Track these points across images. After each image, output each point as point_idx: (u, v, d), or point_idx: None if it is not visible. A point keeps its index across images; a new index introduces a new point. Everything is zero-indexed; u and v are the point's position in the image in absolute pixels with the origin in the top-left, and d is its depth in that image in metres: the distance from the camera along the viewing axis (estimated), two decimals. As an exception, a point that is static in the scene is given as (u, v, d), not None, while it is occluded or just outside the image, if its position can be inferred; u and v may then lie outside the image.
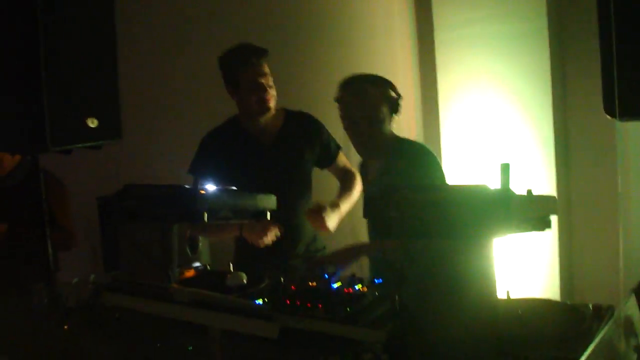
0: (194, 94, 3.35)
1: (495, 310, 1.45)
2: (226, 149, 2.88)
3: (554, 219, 1.99)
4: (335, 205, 2.72)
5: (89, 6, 2.18)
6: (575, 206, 4.10)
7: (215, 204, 2.08)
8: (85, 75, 2.19)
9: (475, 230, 1.38)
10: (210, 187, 2.16)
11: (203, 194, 2.06)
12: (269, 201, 2.31)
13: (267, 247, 2.70)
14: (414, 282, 1.49)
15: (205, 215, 2.01)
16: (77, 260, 3.09)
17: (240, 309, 1.51)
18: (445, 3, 4.21)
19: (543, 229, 1.68)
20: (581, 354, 1.41)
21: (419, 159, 2.62)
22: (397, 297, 1.52)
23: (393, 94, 2.64)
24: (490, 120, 4.07)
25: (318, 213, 2.65)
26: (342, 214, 2.73)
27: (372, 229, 2.54)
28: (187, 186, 2.09)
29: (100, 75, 2.24)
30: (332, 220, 2.67)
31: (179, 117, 3.31)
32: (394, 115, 2.65)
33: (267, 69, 2.81)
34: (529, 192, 1.56)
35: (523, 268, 3.91)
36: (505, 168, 1.38)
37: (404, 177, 2.52)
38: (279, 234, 2.69)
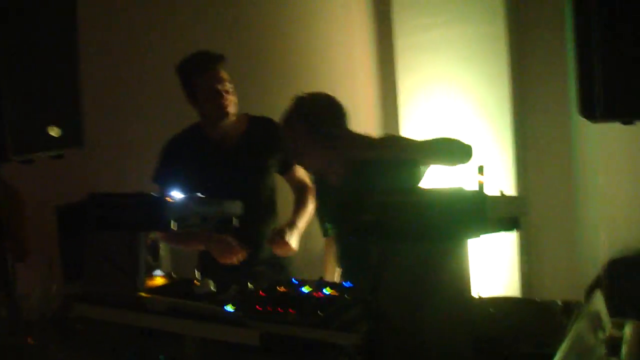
0: (158, 102, 3.31)
1: (470, 310, 1.46)
2: (188, 156, 2.86)
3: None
4: (292, 225, 2.77)
5: (50, 13, 2.13)
6: (533, 206, 4.18)
7: (182, 211, 2.07)
8: (46, 84, 2.15)
9: (450, 232, 1.39)
10: (177, 194, 2.15)
11: (170, 202, 2.05)
12: (235, 207, 2.30)
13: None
14: (389, 285, 1.49)
15: (173, 223, 2.00)
16: (31, 271, 3.03)
17: (216, 316, 1.49)
18: (404, 8, 4.25)
19: (513, 229, 1.71)
20: (556, 349, 1.43)
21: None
22: (373, 299, 1.53)
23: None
24: (450, 122, 4.13)
25: (281, 238, 2.69)
26: (301, 231, 2.78)
27: (341, 249, 2.58)
28: (154, 194, 2.08)
29: (61, 83, 2.20)
30: (294, 241, 2.73)
31: (144, 125, 3.27)
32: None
33: (224, 75, 2.80)
34: (502, 192, 1.58)
35: (484, 267, 3.97)
36: (481, 169, 1.40)
37: (374, 180, 2.50)
38: (243, 258, 2.71)
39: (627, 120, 1.67)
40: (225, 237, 2.72)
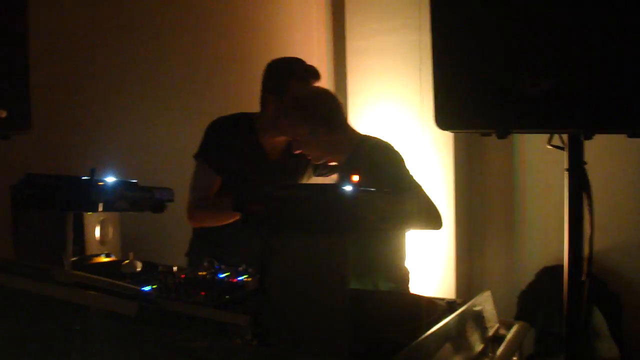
0: (111, 89, 3.42)
1: (345, 300, 1.60)
2: (234, 149, 2.93)
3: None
4: None
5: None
6: (474, 209, 4.32)
7: (111, 194, 2.20)
8: None
9: (325, 226, 1.54)
10: (110, 179, 2.28)
11: (99, 185, 2.18)
12: (167, 193, 2.43)
13: (226, 234, 2.82)
14: (275, 272, 1.63)
15: (101, 205, 2.14)
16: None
17: (110, 289, 1.64)
18: (356, 14, 4.39)
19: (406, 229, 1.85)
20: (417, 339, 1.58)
21: (378, 155, 2.74)
22: (260, 284, 1.67)
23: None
24: (396, 125, 4.27)
25: None
26: None
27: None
28: (84, 177, 2.21)
29: (10, 66, 2.30)
30: None
31: (98, 110, 3.38)
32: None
33: None
34: (385, 192, 1.73)
35: (422, 266, 4.12)
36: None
37: (363, 173, 2.66)
38: None
39: (483, 133, 1.85)
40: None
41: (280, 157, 3.01)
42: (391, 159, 2.74)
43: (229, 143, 2.93)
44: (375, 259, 2.61)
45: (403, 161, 2.75)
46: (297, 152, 2.85)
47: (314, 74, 2.91)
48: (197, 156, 2.94)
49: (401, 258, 2.80)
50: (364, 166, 2.62)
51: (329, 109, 2.78)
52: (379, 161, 2.68)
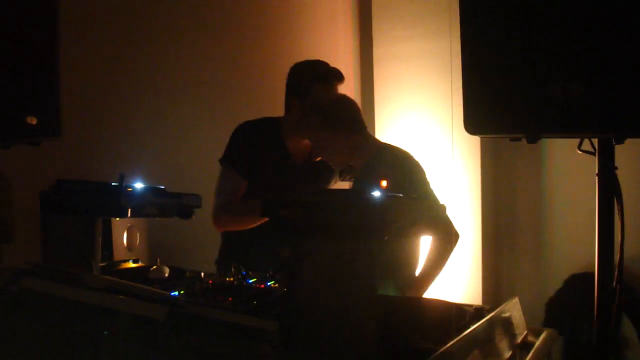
0: (139, 96, 3.45)
1: (372, 306, 1.59)
2: (260, 153, 2.93)
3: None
4: None
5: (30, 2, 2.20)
6: (500, 213, 4.29)
7: (139, 200, 2.22)
8: (25, 74, 2.26)
9: (354, 232, 1.53)
10: (138, 185, 2.30)
11: (129, 191, 2.20)
12: (195, 200, 2.45)
13: (256, 241, 2.82)
14: (303, 278, 1.63)
15: (130, 211, 2.16)
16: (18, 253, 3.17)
17: (140, 294, 1.65)
18: (383, 20, 4.39)
19: (434, 234, 1.84)
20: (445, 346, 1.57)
21: (399, 164, 2.74)
22: (289, 290, 1.67)
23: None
24: (423, 131, 4.26)
25: None
26: None
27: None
28: (113, 183, 2.23)
29: (41, 74, 2.32)
30: None
31: (127, 116, 3.40)
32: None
33: None
34: (412, 198, 1.73)
35: (449, 272, 4.10)
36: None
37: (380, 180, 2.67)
38: None
39: (513, 138, 1.84)
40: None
41: (306, 160, 3.01)
42: (410, 168, 2.74)
43: (254, 147, 2.93)
44: (387, 266, 2.60)
45: (422, 172, 2.75)
46: (317, 159, 2.85)
47: (337, 76, 2.91)
48: (222, 160, 2.95)
49: (413, 265, 2.80)
50: (382, 173, 2.61)
51: (349, 114, 2.79)
52: (397, 170, 2.68)
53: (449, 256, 2.71)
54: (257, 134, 2.96)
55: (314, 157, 2.87)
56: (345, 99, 2.86)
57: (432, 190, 2.72)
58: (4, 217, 3.15)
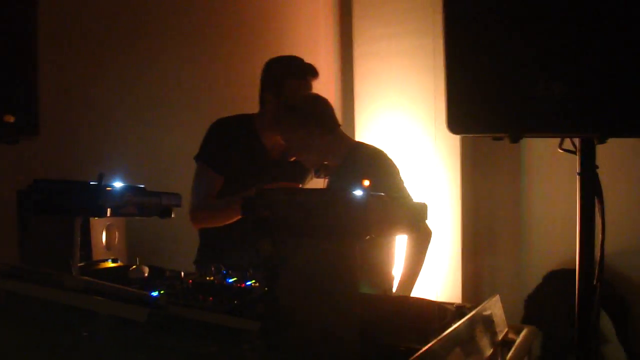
0: (118, 95, 3.42)
1: (354, 306, 1.59)
2: (236, 146, 2.94)
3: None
4: None
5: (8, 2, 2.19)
6: (480, 211, 4.31)
7: (119, 200, 2.20)
8: (3, 72, 2.24)
9: (335, 232, 1.53)
10: (118, 184, 2.28)
11: (108, 190, 2.17)
12: (174, 199, 2.43)
13: (235, 240, 2.82)
14: (284, 277, 1.62)
15: (109, 210, 2.14)
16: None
17: (120, 295, 1.63)
18: (364, 18, 4.39)
19: (412, 233, 1.85)
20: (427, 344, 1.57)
21: (373, 163, 2.75)
22: (269, 289, 1.66)
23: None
24: (403, 131, 4.27)
25: None
26: None
27: None
28: (92, 182, 2.21)
29: (18, 72, 2.29)
30: None
31: (106, 115, 3.38)
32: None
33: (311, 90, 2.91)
34: (394, 197, 1.73)
35: (429, 270, 4.11)
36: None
37: (355, 180, 2.66)
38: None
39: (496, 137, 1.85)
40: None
41: (282, 155, 3.01)
42: (384, 167, 2.75)
43: (230, 143, 2.93)
44: (367, 265, 2.61)
45: (396, 170, 2.76)
46: (292, 159, 2.85)
47: (311, 71, 2.92)
48: (197, 157, 2.95)
49: (389, 264, 2.80)
50: (356, 172, 2.63)
51: (323, 112, 2.80)
52: (372, 168, 2.69)
53: (426, 253, 2.73)
54: (232, 130, 2.97)
55: (289, 157, 2.87)
56: (318, 98, 2.85)
57: (405, 189, 2.73)
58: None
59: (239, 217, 2.75)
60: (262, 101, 2.97)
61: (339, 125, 2.86)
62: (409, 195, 2.69)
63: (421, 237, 2.70)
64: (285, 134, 2.81)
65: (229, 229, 2.85)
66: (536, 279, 4.14)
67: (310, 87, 2.91)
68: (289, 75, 2.88)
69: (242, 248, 2.73)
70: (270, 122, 2.92)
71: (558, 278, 4.01)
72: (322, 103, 2.83)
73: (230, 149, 2.92)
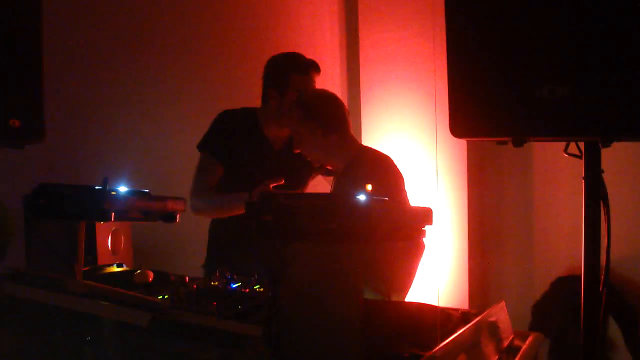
0: (123, 99, 3.43)
1: (358, 311, 1.58)
2: (239, 138, 2.99)
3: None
4: None
5: (13, 4, 2.16)
6: (487, 216, 4.29)
7: (123, 204, 2.20)
8: (8, 76, 2.23)
9: (339, 237, 1.52)
10: (122, 188, 2.28)
11: (113, 195, 2.18)
12: (178, 204, 2.43)
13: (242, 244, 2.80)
14: (287, 282, 1.62)
15: (113, 215, 2.13)
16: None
17: (123, 300, 1.63)
18: (369, 22, 4.39)
19: (420, 238, 1.83)
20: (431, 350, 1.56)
21: (376, 168, 2.75)
22: (272, 293, 1.66)
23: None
24: (410, 134, 4.26)
25: None
26: None
27: None
28: (97, 187, 2.21)
29: (24, 77, 2.29)
30: None
31: (111, 120, 3.38)
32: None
33: (315, 85, 2.95)
34: (397, 202, 1.72)
35: (435, 276, 4.10)
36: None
37: (359, 185, 2.66)
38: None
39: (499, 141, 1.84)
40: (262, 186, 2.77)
41: (284, 147, 3.04)
42: (388, 174, 2.74)
43: (232, 133, 2.98)
44: (371, 270, 2.59)
45: (400, 179, 2.75)
46: (297, 151, 2.87)
47: (314, 66, 2.94)
48: (200, 146, 3.00)
49: (393, 270, 2.78)
50: (360, 177, 2.62)
51: (331, 112, 2.80)
52: (375, 174, 2.68)
53: (417, 267, 2.70)
54: (236, 121, 3.02)
55: (294, 148, 2.89)
56: (329, 96, 2.86)
57: (407, 198, 2.72)
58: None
59: (238, 212, 2.81)
60: (265, 97, 3.01)
61: (348, 128, 2.85)
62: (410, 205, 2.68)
63: (413, 250, 2.68)
64: (291, 126, 2.83)
65: (237, 233, 2.86)
66: (543, 285, 4.11)
67: (313, 82, 2.94)
68: (293, 71, 2.92)
69: (249, 252, 2.74)
70: (273, 117, 2.97)
71: (566, 284, 3.98)
72: (330, 102, 2.83)
73: (233, 138, 2.97)
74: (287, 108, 2.89)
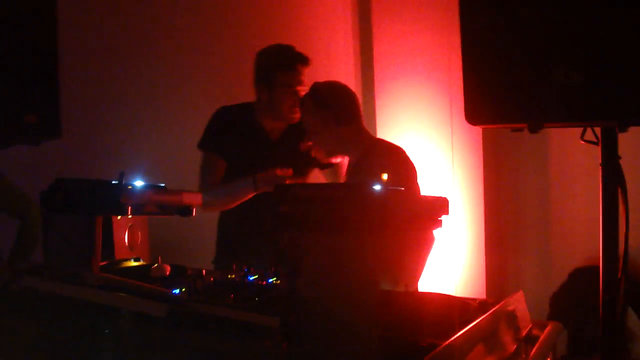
0: (139, 94, 3.44)
1: (375, 301, 1.58)
2: (236, 133, 3.02)
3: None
4: None
5: (29, 2, 2.20)
6: (504, 206, 4.27)
7: (140, 199, 2.21)
8: (25, 73, 2.25)
9: (358, 226, 1.52)
10: (139, 183, 2.29)
11: (129, 189, 2.18)
12: (195, 198, 2.44)
13: (253, 232, 2.90)
14: (305, 273, 1.62)
15: (129, 209, 2.14)
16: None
17: (140, 292, 1.63)
18: (384, 15, 4.38)
19: (434, 228, 1.83)
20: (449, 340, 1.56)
21: (389, 159, 2.74)
22: (290, 284, 1.65)
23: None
24: (425, 125, 4.24)
25: None
26: None
27: None
28: (113, 181, 2.22)
29: (40, 72, 2.31)
30: None
31: (127, 114, 3.39)
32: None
33: (304, 78, 2.95)
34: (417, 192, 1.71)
35: (453, 266, 4.09)
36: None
37: (371, 175, 2.65)
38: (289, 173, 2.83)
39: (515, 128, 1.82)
40: (268, 171, 2.83)
41: (281, 136, 3.07)
42: (401, 166, 2.73)
43: (230, 127, 3.02)
44: (383, 260, 2.59)
45: (413, 170, 2.73)
46: (309, 143, 2.87)
47: (300, 60, 2.95)
48: (200, 145, 3.04)
49: (410, 260, 2.77)
50: (373, 169, 2.61)
51: (344, 103, 2.79)
52: (389, 167, 2.66)
53: (426, 259, 2.68)
54: (233, 116, 3.05)
55: (306, 140, 2.88)
56: (342, 88, 2.85)
57: (419, 191, 2.71)
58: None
59: (245, 199, 2.87)
60: (256, 90, 3.04)
61: (360, 120, 2.84)
62: None
63: (423, 242, 2.66)
64: (303, 116, 2.83)
65: (245, 229, 2.89)
66: (562, 275, 4.09)
67: (301, 75, 2.94)
68: (277, 69, 2.94)
69: (259, 246, 2.75)
70: (266, 109, 2.99)
71: (584, 275, 3.95)
72: (343, 93, 2.82)
73: (231, 132, 3.01)
74: (276, 103, 2.94)
